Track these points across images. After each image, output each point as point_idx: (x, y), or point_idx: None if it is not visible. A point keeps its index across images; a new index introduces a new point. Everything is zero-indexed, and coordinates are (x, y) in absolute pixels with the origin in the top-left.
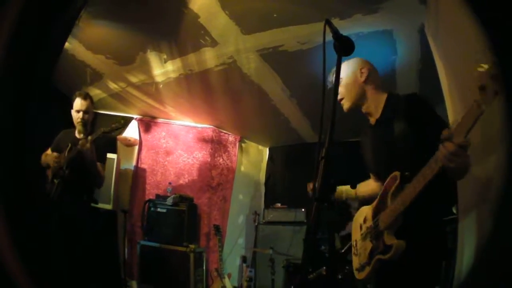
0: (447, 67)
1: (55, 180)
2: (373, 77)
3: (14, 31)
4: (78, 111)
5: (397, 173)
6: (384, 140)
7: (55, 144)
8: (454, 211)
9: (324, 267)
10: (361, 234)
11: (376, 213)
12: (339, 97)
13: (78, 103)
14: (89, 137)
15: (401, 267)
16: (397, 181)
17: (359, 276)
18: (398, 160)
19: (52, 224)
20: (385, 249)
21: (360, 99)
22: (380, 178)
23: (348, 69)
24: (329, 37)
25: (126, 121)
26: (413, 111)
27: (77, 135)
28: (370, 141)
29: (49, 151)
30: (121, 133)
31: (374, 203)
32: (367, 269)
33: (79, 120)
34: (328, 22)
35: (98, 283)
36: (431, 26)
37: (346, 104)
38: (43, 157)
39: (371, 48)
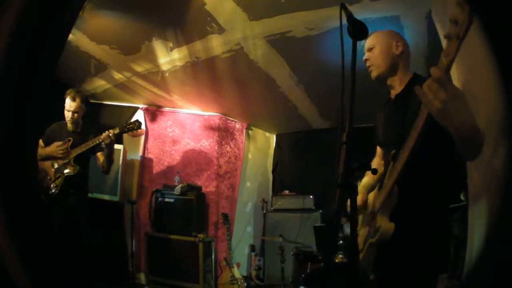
0: None
1: (60, 175)
2: (406, 54)
3: (15, 28)
4: (68, 111)
5: (393, 152)
6: (399, 115)
7: (47, 135)
8: (462, 197)
9: (336, 255)
10: (362, 223)
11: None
12: (367, 64)
13: (68, 103)
14: (112, 132)
15: (400, 252)
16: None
17: None
18: (405, 137)
19: (55, 219)
20: (375, 232)
21: (389, 70)
22: (385, 152)
23: (382, 38)
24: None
25: (140, 123)
26: None
27: (70, 129)
28: (386, 114)
29: (41, 143)
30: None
31: (376, 187)
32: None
33: (69, 119)
34: (343, 6)
35: (106, 277)
36: (439, 12)
37: (374, 72)
38: (39, 150)
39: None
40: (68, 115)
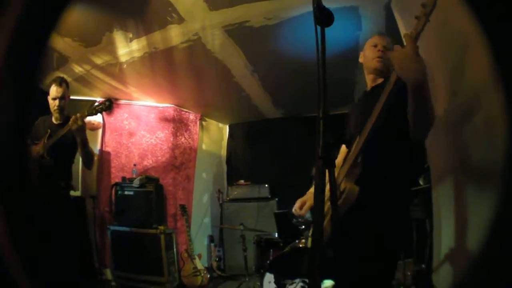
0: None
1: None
2: None
3: (16, 28)
4: (54, 99)
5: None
6: (370, 105)
7: (33, 131)
8: (421, 182)
9: (297, 240)
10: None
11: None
12: (382, 55)
13: (54, 90)
14: (79, 115)
15: (363, 223)
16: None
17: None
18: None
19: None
20: (340, 194)
21: (387, 69)
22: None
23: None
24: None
25: (112, 103)
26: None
27: (54, 121)
28: (359, 105)
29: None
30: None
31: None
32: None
33: (55, 107)
34: None
35: (74, 276)
36: (399, 2)
37: (384, 65)
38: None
39: (336, 23)
40: (54, 103)
